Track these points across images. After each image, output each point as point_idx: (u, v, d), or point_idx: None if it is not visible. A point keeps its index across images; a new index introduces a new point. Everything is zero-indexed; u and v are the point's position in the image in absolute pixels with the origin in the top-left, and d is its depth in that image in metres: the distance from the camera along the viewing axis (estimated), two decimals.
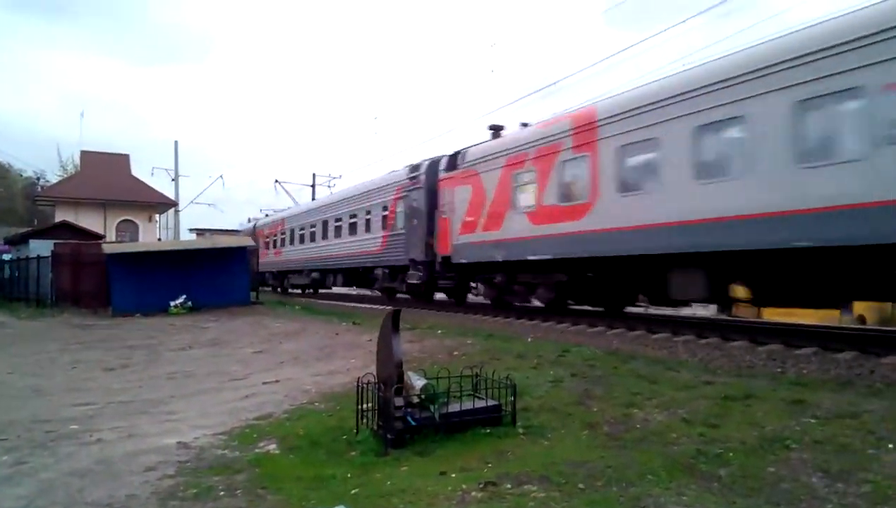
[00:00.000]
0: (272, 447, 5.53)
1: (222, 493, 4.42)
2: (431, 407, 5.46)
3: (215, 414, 6.95)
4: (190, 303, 21.64)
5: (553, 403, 6.26)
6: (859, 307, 23.04)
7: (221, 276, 22.77)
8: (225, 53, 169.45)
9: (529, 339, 11.46)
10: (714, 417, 5.47)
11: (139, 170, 54.88)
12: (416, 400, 5.48)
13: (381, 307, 20.29)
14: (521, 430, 5.49)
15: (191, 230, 50.79)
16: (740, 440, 4.81)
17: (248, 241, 27.11)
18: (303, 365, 9.92)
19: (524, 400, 6.27)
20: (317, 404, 7.05)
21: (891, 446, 4.44)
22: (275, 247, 35.14)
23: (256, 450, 5.45)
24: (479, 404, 5.70)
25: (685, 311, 18.57)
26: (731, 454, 4.53)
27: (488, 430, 5.44)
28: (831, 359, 8.17)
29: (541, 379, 7.29)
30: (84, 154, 46.14)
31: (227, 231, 47.48)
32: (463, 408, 5.54)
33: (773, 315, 20.64)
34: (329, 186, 47.31)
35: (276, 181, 46.46)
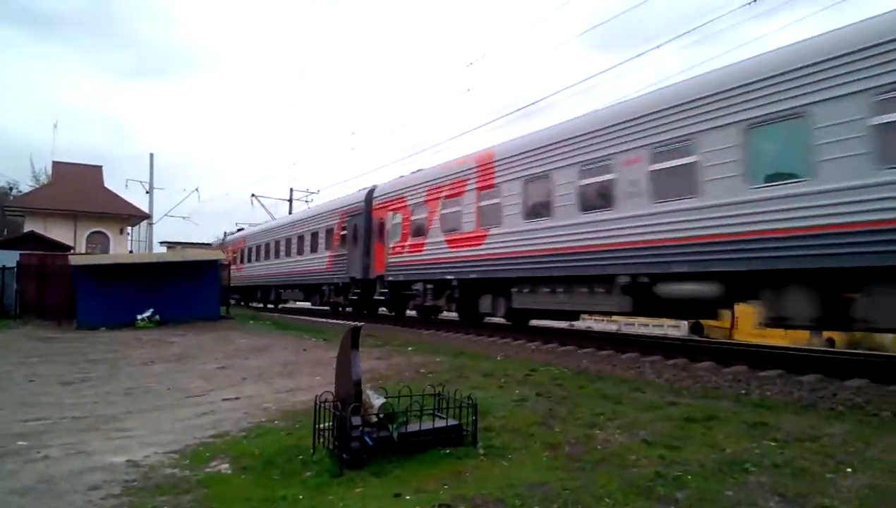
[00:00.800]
0: (224, 466, 5.36)
1: None
2: (390, 427, 5.34)
3: (169, 431, 6.74)
4: (157, 317, 21.24)
5: (516, 423, 6.17)
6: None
7: (191, 290, 22.40)
8: (206, 70, 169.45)
9: (499, 357, 11.40)
10: (675, 439, 5.43)
11: (114, 183, 54.13)
12: (374, 419, 5.35)
13: (354, 323, 19.98)
14: (481, 451, 5.39)
15: (161, 243, 50.13)
16: (700, 462, 4.76)
17: (219, 255, 26.75)
18: (266, 382, 9.72)
19: (487, 419, 6.18)
20: (276, 422, 6.87)
21: (849, 470, 4.43)
22: (449, 228, 16.68)
23: (207, 470, 5.28)
24: (440, 424, 5.59)
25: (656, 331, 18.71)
26: (689, 476, 4.48)
27: (448, 451, 5.33)
28: (795, 381, 8.21)
29: (506, 399, 7.21)
30: (56, 165, 45.37)
31: (200, 244, 46.93)
32: (423, 428, 5.42)
33: (742, 336, 20.93)
34: (307, 201, 47.09)
35: (253, 195, 46.03)
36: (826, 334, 23.81)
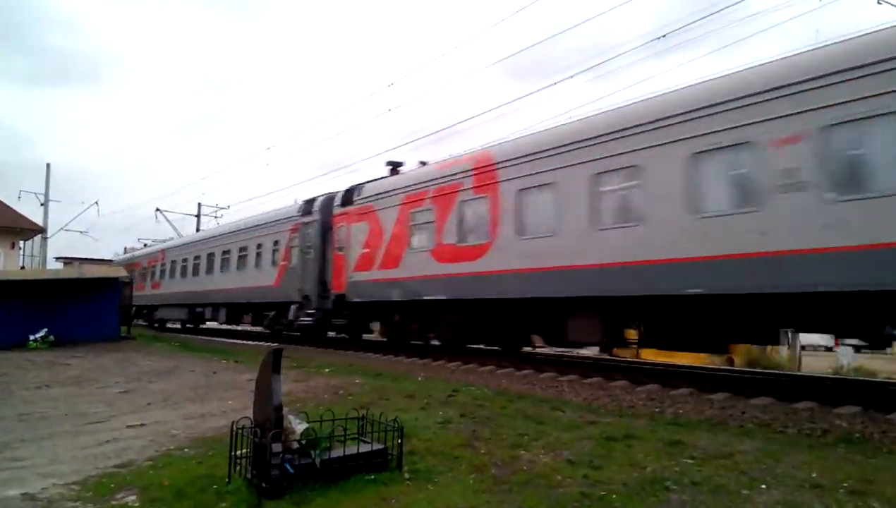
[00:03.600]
0: (131, 498, 4.98)
1: None
2: (313, 453, 5.13)
3: (69, 460, 6.23)
4: (52, 338, 19.99)
5: (441, 445, 6.08)
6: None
7: (89, 309, 21.29)
8: (112, 81, 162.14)
9: (420, 378, 11.30)
10: (597, 458, 5.51)
11: (6, 194, 50.47)
12: (295, 445, 5.13)
13: (269, 344, 19.31)
14: (407, 475, 5.26)
15: (57, 259, 47.08)
16: (622, 482, 4.83)
17: (120, 272, 25.38)
18: (173, 407, 9.19)
19: (412, 442, 6.06)
20: (186, 450, 6.48)
21: (763, 486, 4.60)
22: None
23: (113, 502, 4.89)
24: (364, 448, 5.43)
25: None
26: (613, 496, 4.53)
27: (373, 476, 5.17)
28: (706, 400, 8.54)
29: (429, 421, 7.12)
30: None
31: (99, 260, 44.39)
32: (346, 453, 5.25)
33: (649, 355, 21.70)
34: (216, 217, 45.48)
35: (158, 209, 43.95)
36: (725, 354, 25.12)
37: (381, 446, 5.47)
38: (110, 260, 44.77)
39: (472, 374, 11.89)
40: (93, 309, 21.52)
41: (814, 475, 4.82)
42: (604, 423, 6.95)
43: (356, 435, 5.63)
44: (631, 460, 5.44)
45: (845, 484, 4.60)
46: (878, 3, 11.86)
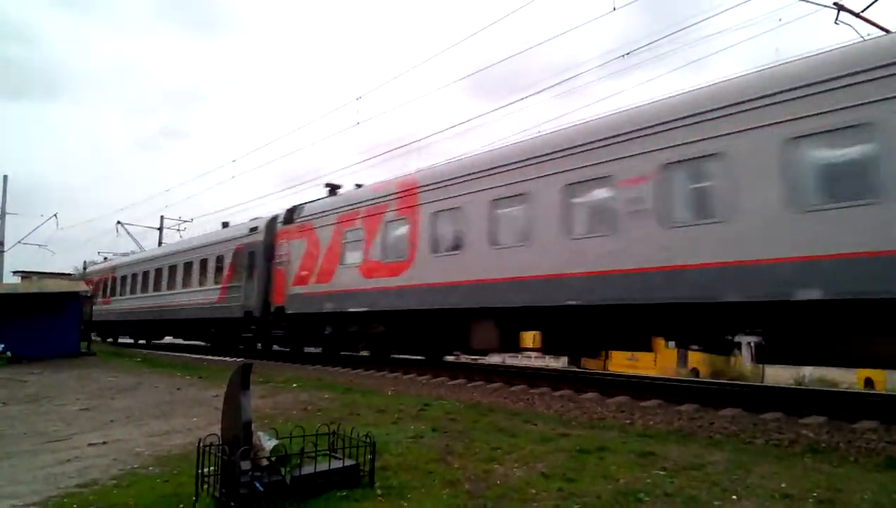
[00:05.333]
0: None
1: None
2: (283, 470, 5.03)
3: (29, 481, 6.02)
4: (9, 354, 19.46)
5: (414, 460, 6.02)
6: (693, 360, 25.10)
7: (47, 324, 20.80)
8: (72, 92, 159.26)
9: (390, 392, 11.19)
10: (571, 471, 5.50)
11: None
12: (265, 462, 5.02)
13: (233, 359, 19.08)
14: (379, 491, 5.18)
15: (15, 272, 45.71)
16: (596, 494, 4.83)
17: (80, 286, 24.79)
18: (136, 424, 8.95)
19: (384, 457, 5.98)
20: (150, 468, 6.30)
21: (734, 497, 4.64)
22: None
23: None
24: (336, 464, 5.34)
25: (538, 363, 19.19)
26: None
27: (345, 493, 5.08)
28: (675, 411, 8.61)
29: (401, 435, 7.04)
30: None
31: (58, 274, 43.21)
32: (318, 470, 5.15)
33: (617, 367, 21.92)
34: (178, 230, 44.65)
35: (119, 222, 42.87)
36: (691, 364, 25.52)
37: (352, 462, 5.39)
38: (70, 275, 43.64)
39: (442, 388, 11.83)
40: (52, 325, 21.09)
41: (783, 485, 4.88)
42: (576, 435, 6.95)
43: (327, 451, 5.53)
44: (604, 472, 5.44)
45: (814, 494, 4.66)
46: (836, 23, 12.29)
